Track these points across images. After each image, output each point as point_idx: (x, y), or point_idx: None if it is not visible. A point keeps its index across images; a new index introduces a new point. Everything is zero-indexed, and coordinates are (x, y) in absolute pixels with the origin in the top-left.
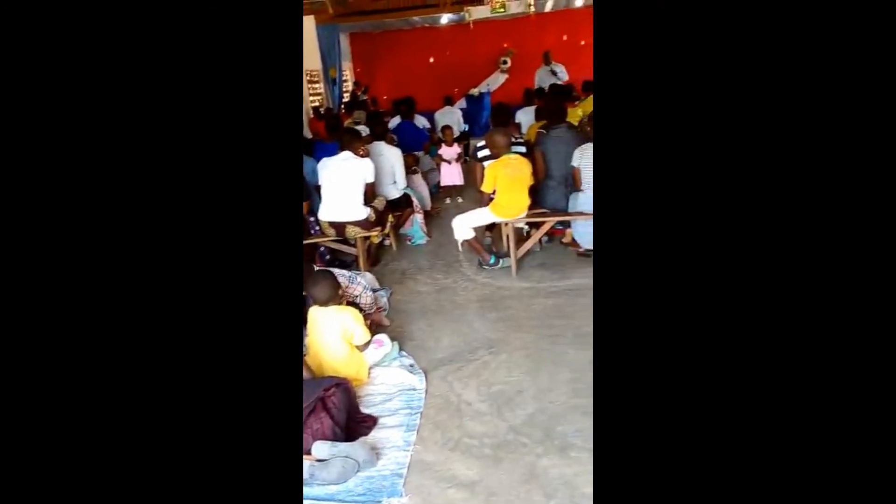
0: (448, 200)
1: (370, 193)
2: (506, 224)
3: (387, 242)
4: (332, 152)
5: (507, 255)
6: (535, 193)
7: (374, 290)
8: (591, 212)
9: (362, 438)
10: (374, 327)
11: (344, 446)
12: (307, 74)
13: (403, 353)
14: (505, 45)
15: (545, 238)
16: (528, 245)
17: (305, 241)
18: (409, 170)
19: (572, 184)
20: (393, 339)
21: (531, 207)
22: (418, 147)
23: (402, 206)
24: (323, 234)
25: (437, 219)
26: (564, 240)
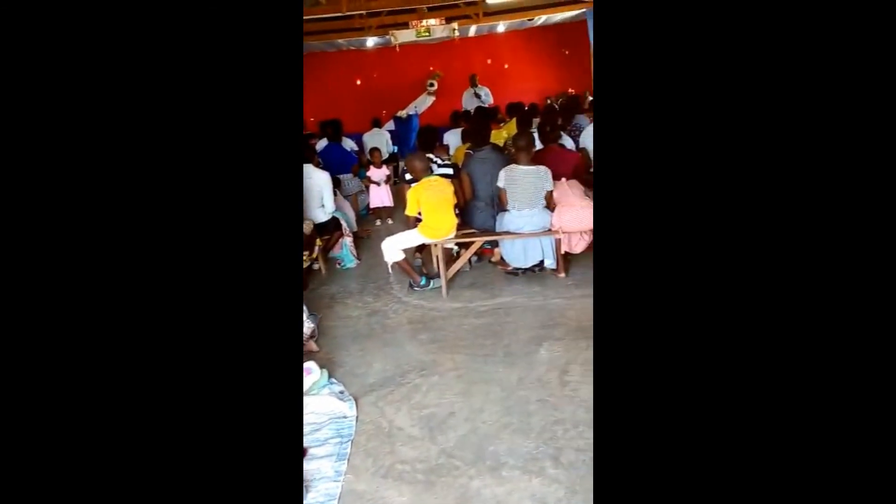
0: (378, 222)
1: None
2: (435, 245)
3: (315, 266)
4: None
5: (438, 275)
6: (464, 214)
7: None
8: (518, 231)
9: None
10: (304, 354)
11: None
12: None
13: (333, 380)
14: (431, 68)
15: (475, 258)
16: (457, 265)
17: None
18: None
19: (499, 204)
20: (322, 366)
21: (460, 228)
22: (346, 170)
23: (330, 229)
24: None
25: (367, 241)
26: (493, 259)
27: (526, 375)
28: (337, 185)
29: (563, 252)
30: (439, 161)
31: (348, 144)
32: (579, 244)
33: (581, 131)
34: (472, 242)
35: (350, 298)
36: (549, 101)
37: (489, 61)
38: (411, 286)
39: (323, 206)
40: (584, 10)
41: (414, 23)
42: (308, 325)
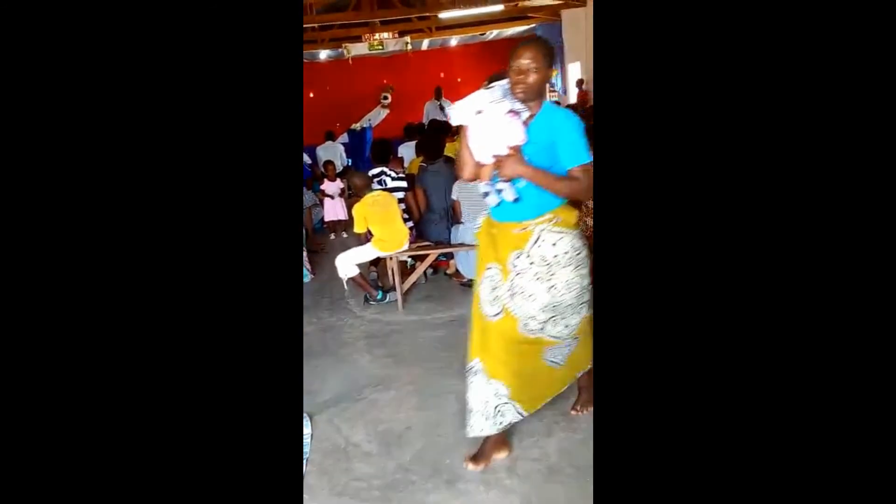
0: (333, 236)
1: None
2: (390, 258)
3: None
4: None
5: (394, 289)
6: (419, 227)
7: None
8: (473, 243)
9: None
10: None
11: None
12: None
13: None
14: (385, 82)
15: (430, 270)
16: (413, 278)
17: None
18: None
19: (453, 216)
20: None
21: (416, 240)
22: None
23: None
24: None
25: (321, 255)
26: (449, 271)
27: None
28: None
29: None
30: (393, 174)
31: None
32: None
33: None
34: (428, 255)
35: (304, 314)
36: None
37: (442, 75)
38: (367, 300)
39: None
40: (534, 25)
41: (367, 36)
42: None
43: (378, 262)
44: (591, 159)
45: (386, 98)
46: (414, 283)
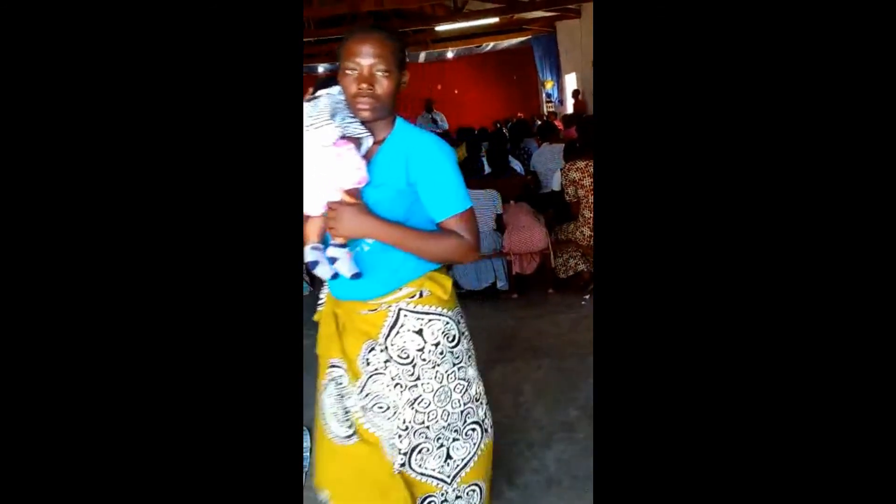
0: None
1: None
2: None
3: None
4: None
5: None
6: None
7: None
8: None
9: None
10: None
11: None
12: None
13: None
14: None
15: None
16: None
17: None
18: None
19: None
20: None
21: None
22: None
23: None
24: None
25: None
26: None
27: None
28: None
29: (514, 273)
30: None
31: None
32: (530, 265)
33: (530, 155)
34: None
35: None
36: (497, 125)
37: (439, 87)
38: None
39: None
40: (529, 37)
41: None
42: None
43: None
44: (470, 205)
45: None
46: None
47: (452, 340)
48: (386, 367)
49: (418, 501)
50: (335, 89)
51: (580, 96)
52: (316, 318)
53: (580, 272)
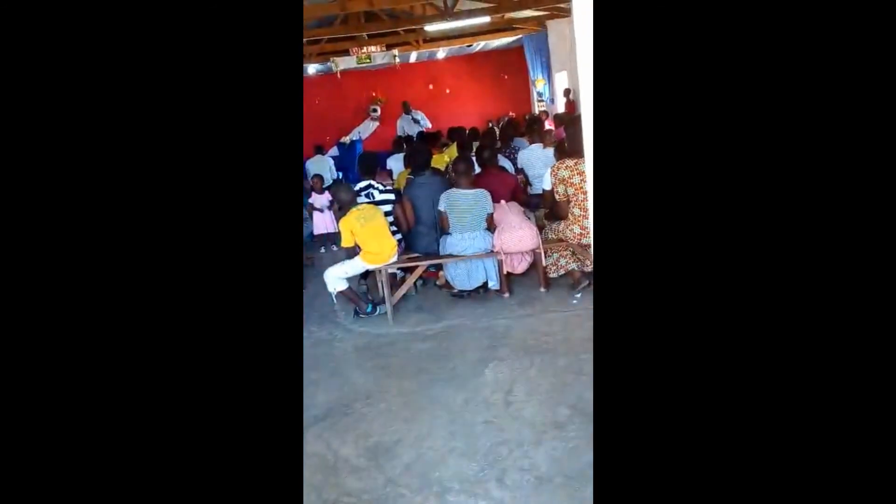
0: (322, 249)
1: None
2: (379, 270)
3: None
4: None
5: (384, 301)
6: (407, 239)
7: None
8: (461, 253)
9: None
10: None
11: None
12: None
13: None
14: (374, 94)
15: (420, 281)
16: (403, 290)
17: None
18: None
19: (441, 228)
20: None
21: (404, 252)
22: None
23: None
24: None
25: (311, 268)
26: (438, 282)
27: (472, 398)
28: None
29: (505, 273)
30: (381, 187)
31: None
32: (521, 264)
33: (517, 151)
34: (417, 267)
35: None
36: (490, 125)
37: (431, 86)
38: (357, 313)
39: None
40: (520, 36)
41: (354, 50)
42: None
43: (368, 275)
44: None
45: (375, 111)
46: (404, 294)
47: None
48: None
49: None
50: None
51: (571, 95)
52: None
53: (571, 271)
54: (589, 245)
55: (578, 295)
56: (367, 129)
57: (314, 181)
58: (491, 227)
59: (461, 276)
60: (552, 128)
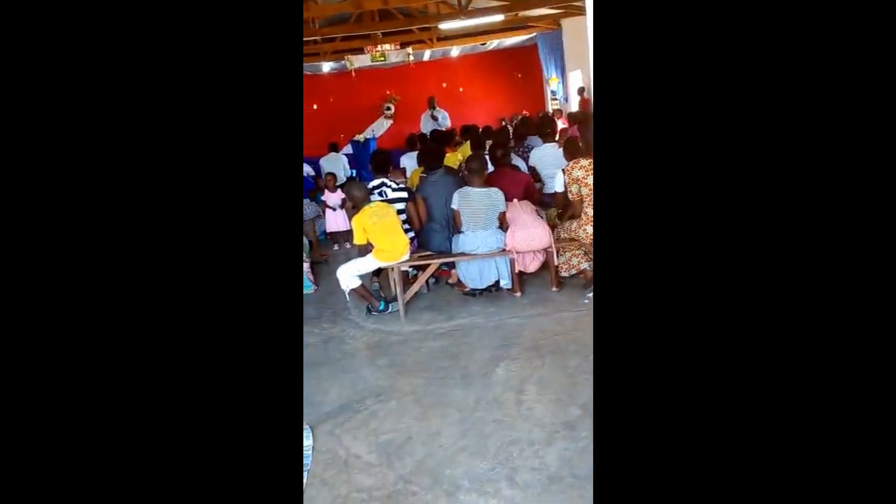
0: (336, 247)
1: None
2: (392, 269)
3: None
4: None
5: (396, 299)
6: (420, 237)
7: None
8: (473, 252)
9: None
10: None
11: None
12: None
13: None
14: (388, 92)
15: (432, 280)
16: (415, 287)
17: None
18: None
19: (453, 226)
20: None
21: (417, 250)
22: (304, 194)
23: None
24: None
25: (324, 266)
26: (450, 280)
27: (483, 396)
28: None
29: (517, 271)
30: (394, 185)
31: (305, 169)
32: (533, 263)
33: (531, 149)
34: (429, 265)
35: (307, 325)
36: (503, 123)
37: (444, 85)
38: (369, 310)
39: None
40: (534, 34)
41: (369, 48)
42: None
43: (380, 273)
44: None
45: (389, 109)
46: (416, 292)
47: None
48: None
49: None
50: None
51: (585, 93)
52: None
53: (583, 270)
54: None
55: (590, 295)
56: (380, 126)
57: (327, 179)
58: (503, 225)
59: (473, 274)
60: (566, 126)
